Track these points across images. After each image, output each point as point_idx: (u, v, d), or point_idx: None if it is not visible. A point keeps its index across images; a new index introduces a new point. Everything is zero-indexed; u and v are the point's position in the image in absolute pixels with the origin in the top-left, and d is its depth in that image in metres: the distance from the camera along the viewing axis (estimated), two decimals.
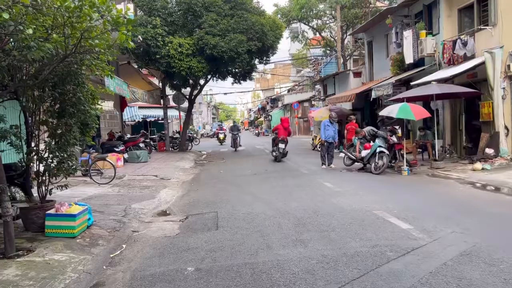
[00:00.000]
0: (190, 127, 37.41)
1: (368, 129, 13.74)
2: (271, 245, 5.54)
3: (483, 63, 12.16)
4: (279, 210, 7.63)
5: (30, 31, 4.39)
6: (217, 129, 35.34)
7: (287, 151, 17.28)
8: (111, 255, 5.46)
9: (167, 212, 8.18)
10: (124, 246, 5.88)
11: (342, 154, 13.94)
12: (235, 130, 24.98)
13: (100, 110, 7.41)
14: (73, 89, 6.17)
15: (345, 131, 17.94)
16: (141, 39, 17.47)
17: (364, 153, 12.80)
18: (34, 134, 6.21)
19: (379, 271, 4.43)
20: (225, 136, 31.75)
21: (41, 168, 6.20)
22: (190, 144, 25.60)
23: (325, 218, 6.88)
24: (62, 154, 6.23)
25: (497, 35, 12.38)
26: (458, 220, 6.48)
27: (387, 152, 12.30)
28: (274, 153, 17.01)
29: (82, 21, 4.82)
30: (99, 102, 7.26)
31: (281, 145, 16.63)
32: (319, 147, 17.63)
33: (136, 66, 20.93)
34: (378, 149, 12.23)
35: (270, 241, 5.70)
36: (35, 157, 6.09)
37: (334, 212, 7.26)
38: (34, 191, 6.46)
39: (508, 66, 12.00)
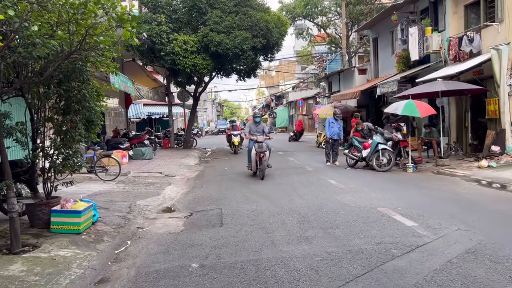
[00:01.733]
0: (195, 124, 37.58)
1: (366, 123, 13.74)
2: (276, 242, 5.54)
3: (489, 60, 12.06)
4: (283, 207, 7.63)
5: (35, 28, 4.41)
6: (228, 129, 24.57)
7: (299, 137, 30.80)
8: (116, 251, 5.48)
9: (172, 208, 8.20)
10: (129, 242, 5.91)
11: (347, 151, 13.89)
12: (259, 131, 12.40)
13: (105, 107, 7.41)
14: (78, 86, 6.18)
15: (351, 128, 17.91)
16: (145, 36, 17.48)
17: (365, 152, 12.74)
18: (39, 131, 6.24)
19: (384, 268, 4.42)
20: (242, 139, 20.91)
21: (47, 165, 6.23)
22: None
23: (330, 215, 6.87)
24: (67, 151, 6.26)
25: (503, 31, 12.27)
26: (463, 217, 6.45)
27: (389, 148, 12.24)
28: (289, 137, 31.06)
29: (87, 17, 4.83)
30: (104, 99, 7.28)
31: (292, 134, 31.32)
32: (323, 145, 17.67)
33: (141, 63, 20.97)
34: (380, 146, 12.18)
35: (275, 238, 5.70)
36: (40, 153, 6.12)
37: (339, 209, 7.24)
38: (40, 188, 6.49)
39: None
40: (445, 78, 13.25)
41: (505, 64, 11.87)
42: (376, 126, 14.42)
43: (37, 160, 6.24)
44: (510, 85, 12.05)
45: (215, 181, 11.65)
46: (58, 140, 6.17)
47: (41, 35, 4.62)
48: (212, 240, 5.78)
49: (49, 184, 6.27)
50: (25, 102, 5.95)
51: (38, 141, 6.20)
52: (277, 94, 61.40)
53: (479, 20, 13.69)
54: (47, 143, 6.28)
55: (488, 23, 12.93)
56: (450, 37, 14.21)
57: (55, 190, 6.42)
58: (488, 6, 13.27)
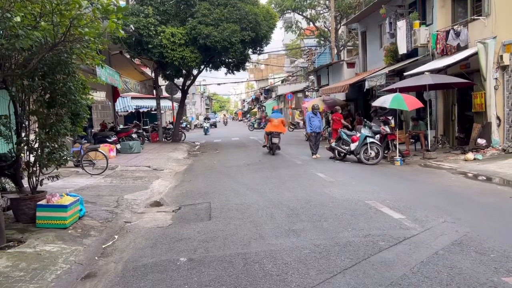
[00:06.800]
0: (184, 117, 37.37)
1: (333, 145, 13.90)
2: (264, 235, 5.55)
3: (476, 53, 12.17)
4: (272, 201, 7.63)
5: (18, 19, 4.32)
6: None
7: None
8: (103, 246, 5.44)
9: (160, 202, 8.15)
10: (116, 237, 5.87)
11: (334, 144, 13.95)
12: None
13: (91, 100, 7.33)
14: (63, 78, 6.09)
15: (331, 121, 18.14)
16: (133, 28, 17.26)
17: (353, 146, 12.81)
18: (24, 124, 6.14)
19: (371, 261, 4.45)
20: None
21: (32, 159, 6.13)
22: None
23: (318, 208, 6.90)
24: (52, 145, 6.17)
25: (490, 25, 12.37)
26: (450, 209, 6.52)
27: (377, 141, 12.32)
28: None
29: (71, 8, 4.75)
30: (90, 92, 7.18)
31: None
32: (305, 139, 17.82)
33: (128, 56, 20.74)
34: (368, 140, 12.26)
35: (263, 231, 5.71)
36: (25, 147, 6.02)
37: (327, 202, 7.27)
38: (25, 182, 6.39)
39: (501, 56, 12.02)
40: (432, 71, 13.33)
41: (491, 58, 11.98)
42: (365, 119, 14.51)
43: (21, 154, 6.15)
44: (496, 78, 12.18)
45: (204, 174, 11.61)
46: (43, 133, 6.07)
47: (24, 26, 4.54)
48: (200, 234, 5.76)
49: (34, 178, 6.19)
50: (9, 95, 5.85)
51: (23, 134, 6.11)
52: (266, 88, 61.27)
53: (466, 14, 13.78)
54: (32, 136, 6.18)
55: (475, 17, 13.02)
56: (437, 31, 14.29)
57: (41, 185, 6.33)
58: (475, 0, 13.35)
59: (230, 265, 4.52)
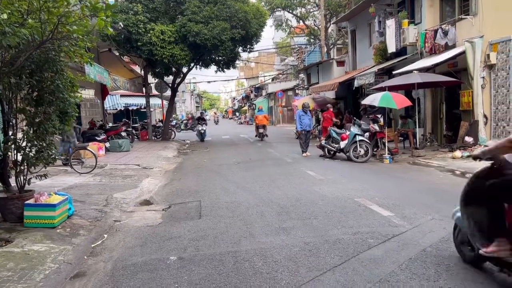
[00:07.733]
0: (174, 115, 37.19)
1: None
2: (254, 233, 5.56)
3: (463, 52, 12.30)
4: (262, 199, 7.65)
5: (5, 16, 4.27)
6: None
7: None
8: (93, 245, 5.40)
9: (150, 201, 8.11)
10: (105, 236, 5.83)
11: (324, 142, 14.02)
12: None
13: (80, 98, 7.24)
14: (51, 76, 6.02)
15: (321, 119, 18.24)
16: (122, 25, 17.13)
17: (342, 144, 12.89)
18: (11, 123, 6.06)
19: (360, 258, 4.49)
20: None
21: (19, 158, 6.06)
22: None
23: (308, 206, 6.93)
24: (40, 143, 6.11)
25: (477, 24, 12.51)
26: (438, 207, 6.60)
27: (366, 139, 12.41)
28: None
29: (59, 6, 4.70)
30: (79, 90, 7.12)
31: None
32: (296, 138, 18.01)
33: (117, 54, 20.56)
34: (357, 138, 12.34)
35: (253, 230, 5.72)
36: (12, 146, 5.95)
37: (317, 200, 7.31)
38: (12, 181, 6.32)
39: (488, 55, 12.17)
40: (421, 70, 13.45)
41: (479, 57, 12.12)
42: (354, 118, 14.62)
43: (9, 153, 6.07)
44: (483, 77, 12.33)
45: (194, 173, 11.58)
46: (31, 132, 6.00)
47: (11, 24, 4.48)
48: (190, 232, 5.76)
49: (22, 177, 6.12)
50: None
51: (10, 133, 6.04)
52: (256, 86, 61.30)
53: (454, 13, 13.92)
54: (20, 135, 6.11)
55: (463, 16, 13.16)
56: (426, 30, 14.42)
57: (29, 184, 6.26)
58: (463, 0, 13.50)
59: (220, 263, 4.53)
